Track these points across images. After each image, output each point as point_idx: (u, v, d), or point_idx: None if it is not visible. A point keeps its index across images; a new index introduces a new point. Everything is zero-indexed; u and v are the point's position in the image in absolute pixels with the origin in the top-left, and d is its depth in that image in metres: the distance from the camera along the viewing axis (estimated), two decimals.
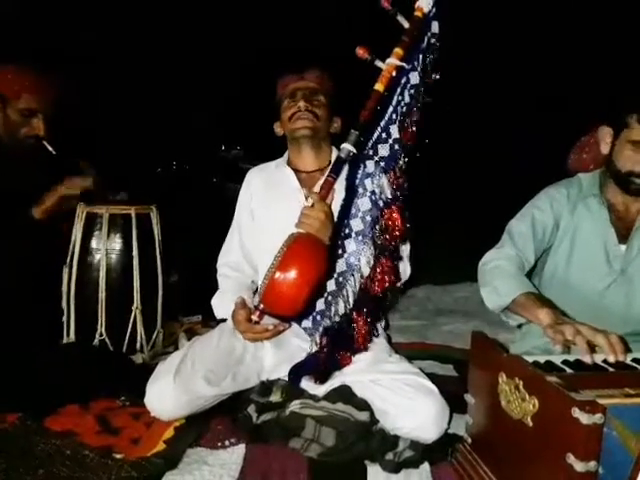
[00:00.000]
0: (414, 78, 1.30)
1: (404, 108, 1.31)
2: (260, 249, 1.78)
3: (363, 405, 1.45)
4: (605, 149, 1.59)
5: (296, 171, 1.80)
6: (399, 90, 1.31)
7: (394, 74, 1.30)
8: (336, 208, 1.43)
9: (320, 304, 1.45)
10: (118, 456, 1.33)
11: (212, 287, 1.83)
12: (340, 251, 1.42)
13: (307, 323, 1.46)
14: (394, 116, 1.32)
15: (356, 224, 1.41)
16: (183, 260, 2.43)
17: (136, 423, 1.50)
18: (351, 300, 1.42)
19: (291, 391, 1.55)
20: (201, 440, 1.42)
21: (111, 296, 2.00)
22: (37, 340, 1.83)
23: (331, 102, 1.79)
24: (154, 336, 2.14)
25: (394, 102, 1.32)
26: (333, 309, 1.44)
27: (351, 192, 1.40)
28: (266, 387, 1.60)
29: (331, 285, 1.44)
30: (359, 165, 1.38)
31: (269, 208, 1.78)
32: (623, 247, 1.56)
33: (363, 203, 1.39)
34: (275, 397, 1.55)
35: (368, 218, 1.39)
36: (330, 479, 1.29)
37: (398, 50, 1.29)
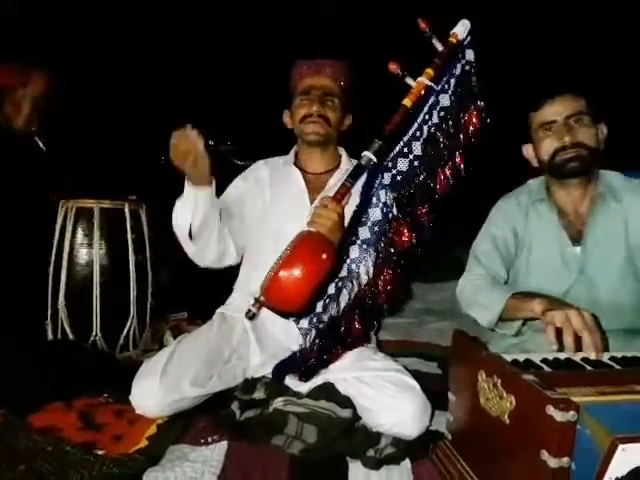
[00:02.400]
0: (444, 100, 1.33)
1: (432, 128, 1.34)
2: (252, 244, 1.77)
3: (346, 402, 1.46)
4: (534, 162, 1.65)
5: (303, 171, 1.79)
6: (427, 109, 1.34)
7: (423, 92, 1.32)
8: (348, 213, 1.43)
9: (319, 306, 1.46)
10: (100, 452, 1.33)
11: (197, 284, 1.83)
12: (344, 256, 1.43)
13: (304, 323, 1.47)
14: (418, 133, 1.35)
15: (363, 232, 1.42)
16: (168, 256, 2.42)
17: (119, 420, 1.49)
18: (343, 305, 1.44)
19: (274, 388, 1.56)
20: (184, 437, 1.42)
21: (104, 293, 2.01)
22: (20, 336, 1.82)
23: (345, 100, 1.76)
24: (144, 334, 2.14)
25: (420, 119, 1.34)
26: (329, 312, 1.45)
27: (365, 200, 1.40)
28: (250, 384, 1.60)
29: (331, 289, 1.44)
30: (377, 175, 1.38)
31: (272, 205, 1.76)
32: (578, 249, 1.57)
33: (374, 213, 1.40)
34: (259, 394, 1.56)
35: (376, 229, 1.40)
36: (311, 476, 1.29)
37: (429, 70, 1.31)
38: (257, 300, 1.35)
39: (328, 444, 1.37)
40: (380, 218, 1.39)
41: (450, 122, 1.34)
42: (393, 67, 1.33)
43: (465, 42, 1.33)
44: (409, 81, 1.33)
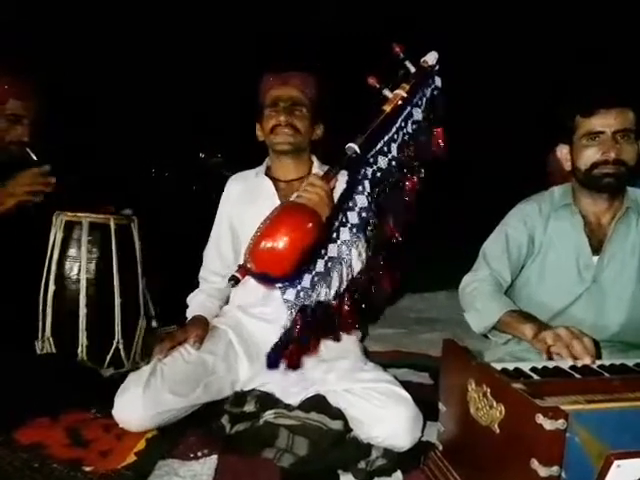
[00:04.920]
0: (417, 114, 1.45)
1: (406, 136, 1.45)
2: (235, 257, 1.78)
3: (337, 414, 1.46)
4: (567, 165, 1.63)
5: (275, 180, 1.80)
6: (402, 117, 1.44)
7: (399, 103, 1.42)
8: (336, 197, 1.48)
9: (306, 281, 1.45)
10: (87, 469, 1.31)
11: (184, 296, 1.83)
12: (335, 235, 1.45)
13: (290, 295, 1.45)
14: (395, 136, 1.44)
15: (352, 217, 1.45)
16: (160, 269, 2.41)
17: (107, 435, 1.47)
18: (334, 288, 1.44)
19: (265, 401, 1.55)
20: (173, 451, 1.41)
21: (90, 308, 1.97)
22: (7, 350, 1.79)
23: (314, 110, 1.78)
24: (132, 349, 2.12)
25: (397, 125, 1.44)
26: (317, 290, 1.45)
27: (351, 186, 1.45)
28: (240, 397, 1.59)
29: (320, 266, 1.45)
30: (361, 166, 1.45)
31: (245, 216, 1.77)
32: (595, 258, 1.58)
33: (361, 199, 1.45)
34: (249, 407, 1.55)
35: (363, 214, 1.44)
36: None
37: (405, 85, 1.42)
38: (241, 266, 1.36)
39: (319, 457, 1.36)
40: (366, 205, 1.44)
41: (421, 136, 1.45)
42: (372, 80, 1.42)
43: (435, 69, 1.45)
44: (386, 93, 1.42)
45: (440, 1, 5.49)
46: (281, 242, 1.29)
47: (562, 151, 1.64)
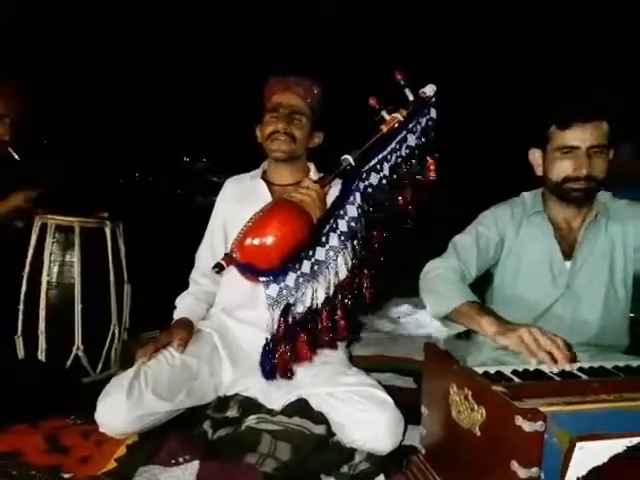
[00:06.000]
0: (411, 140, 1.50)
1: (398, 159, 1.51)
2: None
3: (319, 418, 1.45)
4: (539, 170, 1.65)
5: (270, 184, 1.81)
6: (397, 140, 1.50)
7: (396, 126, 1.49)
8: (328, 203, 1.53)
9: (290, 279, 1.45)
10: (66, 476, 1.29)
11: (170, 301, 1.81)
12: (324, 239, 1.47)
13: (273, 292, 1.44)
14: (389, 156, 1.50)
15: (342, 225, 1.49)
16: (143, 273, 2.39)
17: (86, 442, 1.45)
18: (320, 294, 1.46)
19: (248, 406, 1.54)
20: (154, 457, 1.39)
21: (57, 313, 1.96)
22: None
23: (314, 118, 1.80)
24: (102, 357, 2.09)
25: (391, 147, 1.50)
26: (301, 291, 1.46)
27: (344, 195, 1.49)
28: (222, 403, 1.58)
29: (306, 267, 1.45)
30: (354, 179, 1.49)
31: (237, 217, 1.76)
32: (568, 263, 1.61)
33: (351, 209, 1.48)
34: (232, 412, 1.54)
35: (352, 224, 1.48)
36: None
37: (402, 111, 1.49)
38: (227, 255, 1.37)
39: (301, 461, 1.35)
40: (355, 215, 1.47)
41: (413, 160, 1.51)
42: (372, 102, 1.48)
43: (431, 101, 1.51)
44: (385, 115, 1.49)
45: (443, 5, 5.54)
46: (269, 234, 1.34)
47: (534, 155, 1.66)
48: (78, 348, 1.98)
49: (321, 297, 1.46)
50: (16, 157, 1.89)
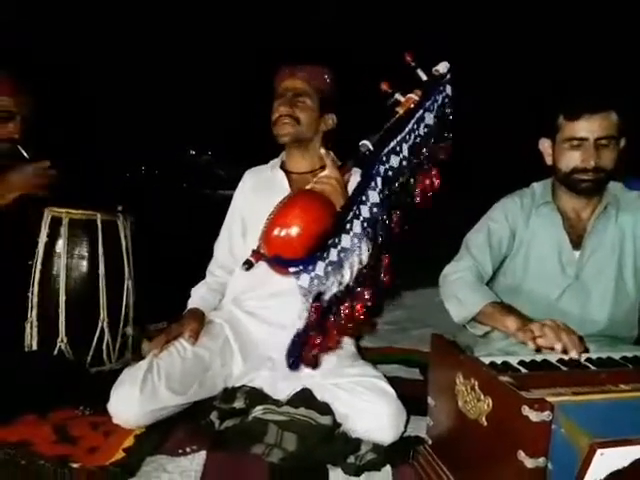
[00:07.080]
0: (429, 119, 1.48)
1: (417, 139, 1.48)
2: (245, 248, 1.76)
3: (325, 409, 1.45)
4: (549, 160, 1.65)
5: (289, 172, 1.81)
6: (414, 120, 1.47)
7: (412, 106, 1.47)
8: (350, 191, 1.50)
9: (319, 269, 1.45)
10: (75, 465, 1.29)
11: (177, 293, 1.82)
12: (348, 227, 1.45)
13: (304, 282, 1.44)
14: (407, 137, 1.47)
15: (364, 211, 1.46)
16: (149, 265, 2.39)
17: (94, 432, 1.46)
18: (346, 279, 1.43)
19: (254, 397, 1.54)
20: (162, 447, 1.40)
21: (74, 304, 1.95)
22: None
23: (322, 101, 1.78)
24: (118, 344, 2.10)
25: (409, 127, 1.47)
26: (330, 279, 1.45)
27: (365, 180, 1.46)
28: (229, 394, 1.58)
29: (333, 255, 1.45)
30: (374, 163, 1.47)
31: (255, 207, 1.75)
32: (577, 253, 1.60)
33: (373, 195, 1.46)
34: (239, 404, 1.54)
35: (375, 210, 1.46)
36: None
37: (417, 91, 1.47)
38: (255, 251, 1.37)
39: (308, 452, 1.35)
40: (377, 201, 1.45)
41: (432, 139, 1.48)
42: (385, 86, 1.47)
43: (446, 78, 1.48)
44: (399, 97, 1.47)
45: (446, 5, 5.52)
46: (293, 224, 1.34)
47: (544, 144, 1.65)
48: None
49: (346, 284, 1.46)
50: (25, 155, 1.90)
